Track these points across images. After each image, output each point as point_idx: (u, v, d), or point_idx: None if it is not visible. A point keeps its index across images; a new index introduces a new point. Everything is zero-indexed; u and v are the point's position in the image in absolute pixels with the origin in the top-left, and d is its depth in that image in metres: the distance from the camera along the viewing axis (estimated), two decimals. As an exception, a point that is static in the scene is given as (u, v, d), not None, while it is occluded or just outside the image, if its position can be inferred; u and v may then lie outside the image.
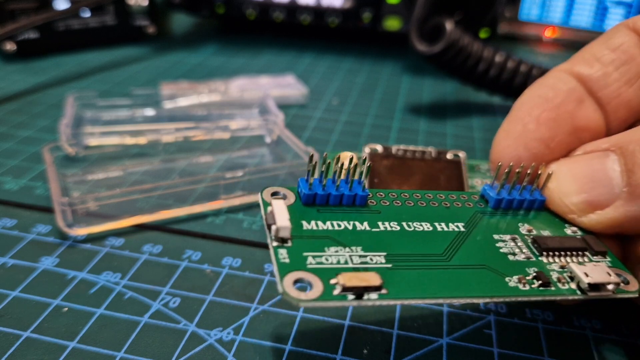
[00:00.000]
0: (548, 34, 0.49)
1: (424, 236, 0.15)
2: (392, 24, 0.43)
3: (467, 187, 0.22)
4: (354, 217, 0.15)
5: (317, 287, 0.12)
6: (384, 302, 0.13)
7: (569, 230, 0.17)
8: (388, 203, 0.16)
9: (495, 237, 0.16)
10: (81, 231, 0.21)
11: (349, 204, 0.16)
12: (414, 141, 0.31)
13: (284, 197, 0.15)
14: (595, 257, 0.16)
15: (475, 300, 0.14)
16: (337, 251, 0.14)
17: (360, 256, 0.14)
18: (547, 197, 0.17)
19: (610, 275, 0.15)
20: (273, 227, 0.14)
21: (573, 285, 0.15)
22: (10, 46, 0.39)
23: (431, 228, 0.16)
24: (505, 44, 0.49)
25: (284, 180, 0.25)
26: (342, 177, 0.15)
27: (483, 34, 0.41)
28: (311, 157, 0.15)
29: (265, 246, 0.21)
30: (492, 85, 0.32)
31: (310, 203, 0.15)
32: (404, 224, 0.15)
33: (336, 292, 0.12)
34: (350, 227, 0.15)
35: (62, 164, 0.26)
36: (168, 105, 0.32)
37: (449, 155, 0.23)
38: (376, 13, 0.43)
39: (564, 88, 0.18)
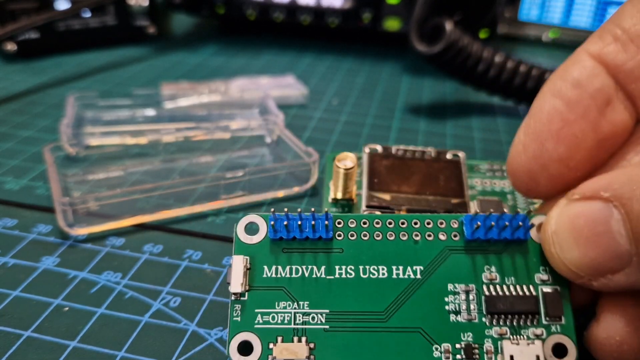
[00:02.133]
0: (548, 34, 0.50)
1: (375, 285, 0.16)
2: (392, 24, 0.43)
3: (466, 187, 0.22)
4: (314, 259, 0.16)
5: (256, 352, 0.15)
6: None
7: (539, 278, 0.16)
8: (355, 237, 0.16)
9: (450, 287, 0.16)
10: (82, 231, 0.21)
11: (315, 239, 0.16)
12: (414, 141, 0.31)
13: (257, 231, 0.16)
14: (547, 320, 0.15)
15: None
16: (285, 307, 0.15)
17: (304, 314, 0.15)
18: (545, 250, 0.15)
19: (538, 359, 0.15)
20: (229, 287, 0.15)
21: None
22: (11, 46, 0.39)
23: (386, 275, 0.16)
24: (505, 44, 0.49)
25: (284, 180, 0.26)
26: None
27: (483, 35, 0.41)
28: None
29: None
30: (491, 86, 0.32)
31: (277, 240, 0.16)
32: (361, 268, 0.16)
33: None
34: (307, 274, 0.16)
35: (63, 164, 0.26)
36: (168, 105, 0.32)
37: (449, 156, 0.23)
38: (376, 13, 0.43)
39: (590, 88, 0.15)
